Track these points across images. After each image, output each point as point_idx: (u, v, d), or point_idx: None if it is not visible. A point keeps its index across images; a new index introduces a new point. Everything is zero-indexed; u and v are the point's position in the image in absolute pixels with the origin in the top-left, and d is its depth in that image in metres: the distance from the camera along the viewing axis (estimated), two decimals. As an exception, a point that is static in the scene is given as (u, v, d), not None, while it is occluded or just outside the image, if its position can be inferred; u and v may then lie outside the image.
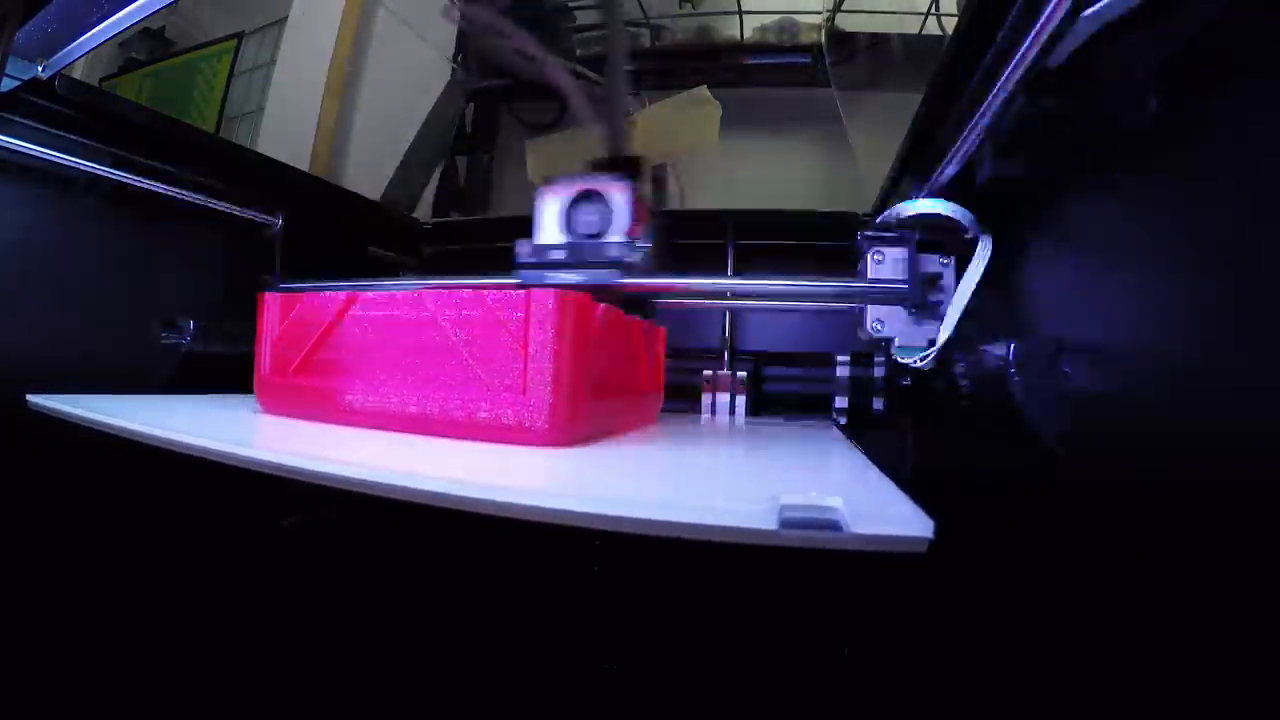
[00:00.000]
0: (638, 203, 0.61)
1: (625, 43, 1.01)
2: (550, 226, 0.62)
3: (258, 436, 0.49)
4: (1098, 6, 0.32)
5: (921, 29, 1.21)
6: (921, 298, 0.60)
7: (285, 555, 0.57)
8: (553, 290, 0.46)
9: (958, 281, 0.57)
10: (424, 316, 0.49)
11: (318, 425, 0.53)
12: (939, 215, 0.56)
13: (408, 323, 0.50)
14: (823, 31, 1.29)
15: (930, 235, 0.61)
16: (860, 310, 0.65)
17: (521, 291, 0.47)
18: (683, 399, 0.92)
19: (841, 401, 0.92)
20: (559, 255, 0.60)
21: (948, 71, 0.48)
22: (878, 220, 0.63)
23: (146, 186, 0.70)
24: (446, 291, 0.49)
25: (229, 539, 0.58)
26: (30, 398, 0.54)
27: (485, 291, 0.48)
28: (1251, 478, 0.25)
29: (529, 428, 0.45)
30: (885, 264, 0.63)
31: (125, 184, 0.68)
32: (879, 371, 0.92)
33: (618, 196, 0.60)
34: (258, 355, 0.58)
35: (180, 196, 0.74)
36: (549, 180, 0.63)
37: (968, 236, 0.56)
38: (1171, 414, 0.32)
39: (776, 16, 1.41)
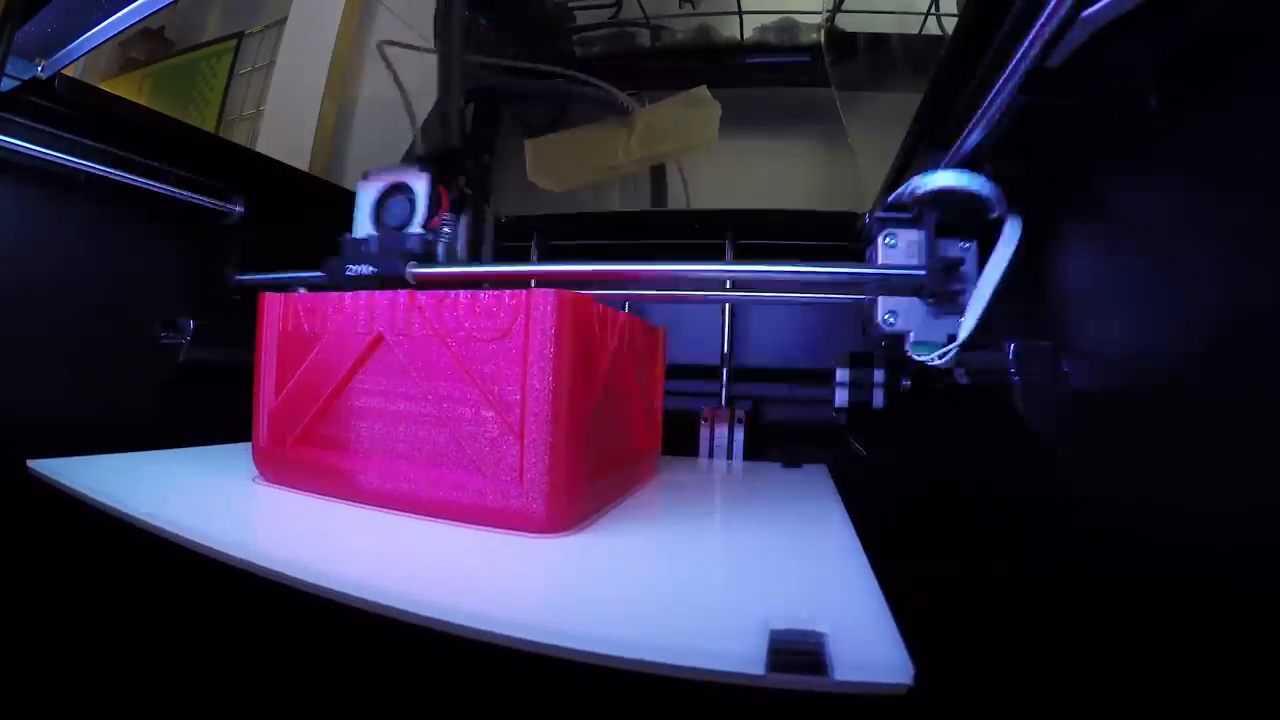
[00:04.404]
0: (439, 194, 0.63)
1: (460, 38, 1.02)
2: (364, 219, 0.64)
3: (255, 530, 0.48)
4: (1098, 6, 0.32)
5: (921, 29, 1.21)
6: (941, 286, 0.54)
7: (287, 640, 0.56)
8: (550, 352, 0.45)
9: (981, 269, 0.51)
10: (415, 394, 0.49)
11: (315, 500, 0.53)
12: (961, 190, 0.49)
13: (402, 395, 0.50)
14: (822, 31, 1.29)
15: (949, 216, 0.54)
16: (869, 303, 0.58)
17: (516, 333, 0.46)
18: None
19: (841, 400, 0.92)
20: (370, 249, 0.62)
21: (949, 67, 0.47)
22: (890, 199, 0.56)
23: (141, 185, 0.70)
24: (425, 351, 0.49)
25: (229, 618, 0.57)
26: (30, 463, 0.55)
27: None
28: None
29: (527, 516, 0.45)
30: (899, 248, 0.56)
31: (124, 183, 0.68)
32: (878, 373, 0.91)
33: (419, 187, 0.62)
34: (255, 422, 0.57)
35: (132, 183, 0.69)
36: (367, 175, 0.65)
37: (993, 216, 0.50)
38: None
39: (776, 16, 1.41)
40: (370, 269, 0.61)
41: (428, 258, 0.62)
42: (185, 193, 0.74)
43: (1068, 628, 0.40)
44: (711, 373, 0.97)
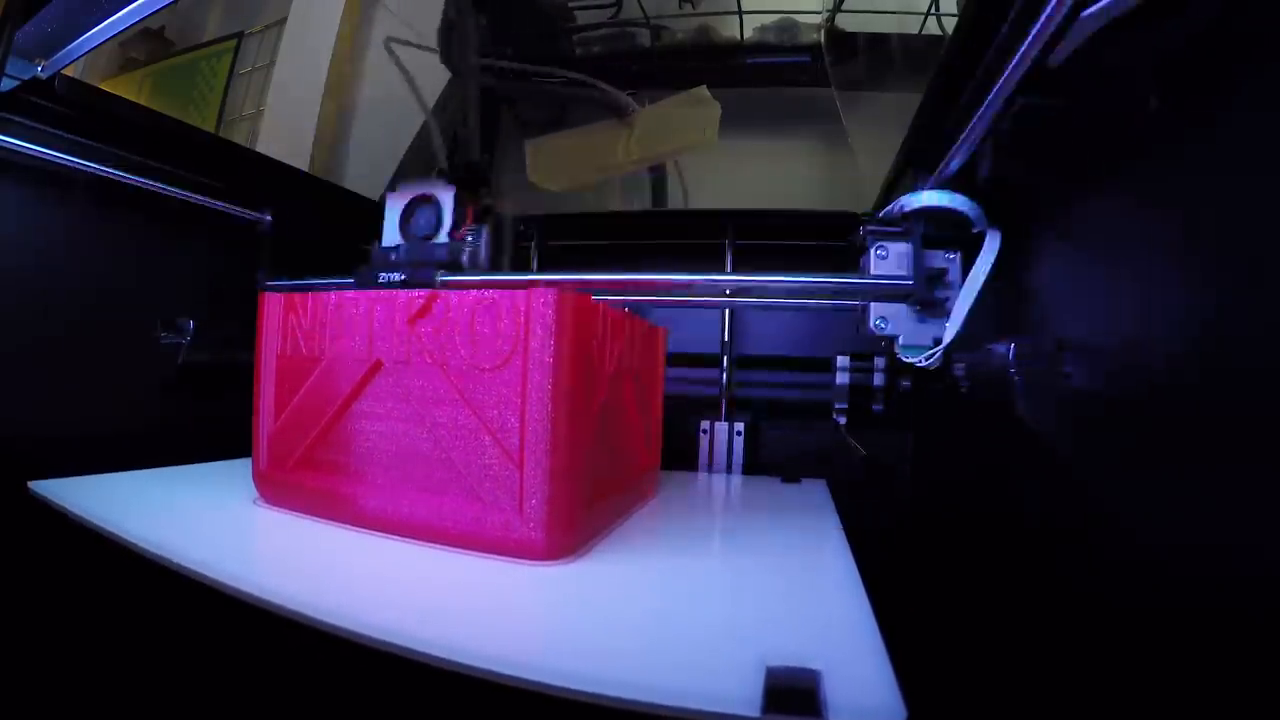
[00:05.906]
0: (463, 205, 0.67)
1: (475, 54, 1.14)
2: (391, 230, 0.69)
3: (254, 557, 0.48)
4: (1098, 6, 0.32)
5: (921, 29, 1.21)
6: (927, 294, 0.58)
7: (284, 669, 0.56)
8: (549, 384, 0.45)
9: (964, 277, 0.55)
10: (411, 417, 0.49)
11: (315, 524, 0.52)
12: (945, 208, 0.53)
13: (401, 422, 0.50)
14: (822, 31, 1.29)
15: (936, 229, 0.58)
16: (863, 307, 0.63)
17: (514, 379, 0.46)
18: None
19: (842, 402, 0.92)
20: (397, 256, 0.68)
21: (949, 67, 0.47)
22: (880, 214, 0.61)
23: (141, 185, 0.70)
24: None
25: (228, 646, 0.57)
26: (32, 485, 0.54)
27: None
28: None
29: (526, 544, 0.45)
30: (889, 259, 0.60)
31: (123, 183, 0.68)
32: (879, 372, 0.91)
33: (444, 200, 0.67)
34: (255, 444, 0.57)
35: (173, 195, 0.72)
36: (395, 188, 0.70)
37: (975, 230, 0.54)
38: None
39: (776, 16, 1.41)
40: (401, 275, 0.66)
41: (454, 265, 0.66)
42: (220, 203, 0.79)
43: (1064, 665, 0.39)
44: (711, 360, 0.97)
